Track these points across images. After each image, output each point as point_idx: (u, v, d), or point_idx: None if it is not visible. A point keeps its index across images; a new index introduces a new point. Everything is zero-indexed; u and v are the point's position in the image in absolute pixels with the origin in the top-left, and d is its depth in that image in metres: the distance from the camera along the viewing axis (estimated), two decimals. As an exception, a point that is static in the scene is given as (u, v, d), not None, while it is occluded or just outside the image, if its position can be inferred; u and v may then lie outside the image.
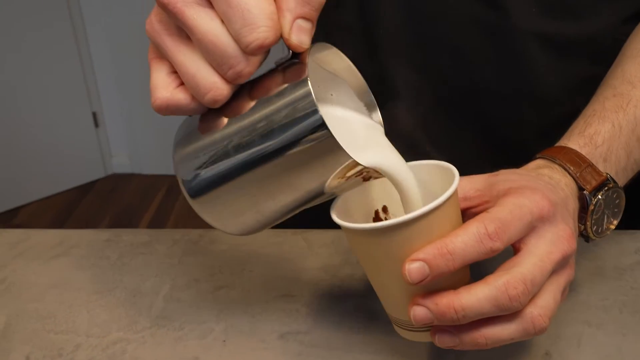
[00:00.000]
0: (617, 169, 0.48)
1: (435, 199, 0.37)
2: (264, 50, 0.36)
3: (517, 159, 0.56)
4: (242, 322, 0.48)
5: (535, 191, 0.40)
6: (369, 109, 0.44)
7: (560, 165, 0.46)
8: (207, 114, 0.39)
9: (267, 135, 0.36)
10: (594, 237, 0.47)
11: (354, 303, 0.50)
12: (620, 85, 0.52)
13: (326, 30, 0.68)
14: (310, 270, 0.54)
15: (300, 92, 0.36)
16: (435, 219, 0.38)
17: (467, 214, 0.43)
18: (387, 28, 0.61)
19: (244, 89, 0.38)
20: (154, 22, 0.37)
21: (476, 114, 0.62)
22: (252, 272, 0.54)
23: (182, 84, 0.38)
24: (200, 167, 0.38)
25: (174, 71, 0.38)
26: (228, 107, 0.38)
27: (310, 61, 0.38)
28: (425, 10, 0.60)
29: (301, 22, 0.36)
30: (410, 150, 0.63)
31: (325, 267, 0.54)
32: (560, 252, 0.40)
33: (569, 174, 0.46)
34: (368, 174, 0.39)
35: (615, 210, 0.47)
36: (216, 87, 0.36)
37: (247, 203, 0.39)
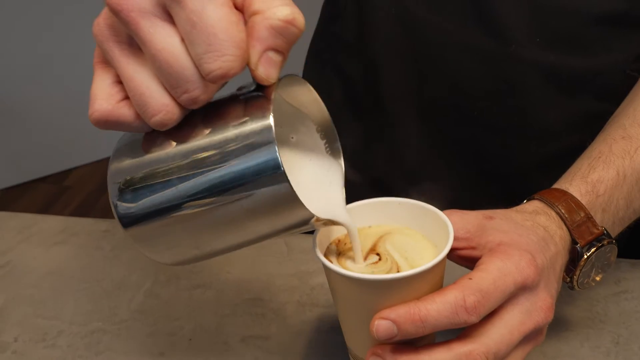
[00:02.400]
0: (614, 219, 0.47)
1: (420, 243, 0.39)
2: (226, 80, 0.33)
3: (510, 192, 0.55)
4: (210, 323, 0.52)
5: (523, 254, 0.39)
6: (331, 146, 0.42)
7: (558, 213, 0.44)
8: (153, 134, 0.36)
9: (219, 171, 0.33)
10: (577, 289, 0.46)
11: (318, 313, 0.52)
12: (630, 127, 0.49)
13: (328, 43, 0.69)
14: (284, 276, 0.57)
15: (261, 134, 0.33)
16: (417, 281, 0.37)
17: (450, 255, 0.42)
18: (384, 55, 0.61)
19: (198, 113, 0.35)
20: (102, 26, 0.34)
21: (471, 144, 0.62)
22: (230, 273, 0.57)
23: (127, 97, 0.34)
24: (136, 193, 0.35)
25: (120, 81, 0.35)
26: (177, 129, 0.35)
27: (276, 95, 0.35)
28: (425, 36, 0.59)
29: (272, 55, 0.33)
30: (404, 177, 0.65)
31: (299, 274, 0.57)
32: (533, 323, 0.39)
33: (566, 225, 0.44)
34: (319, 223, 0.37)
35: (605, 263, 0.46)
36: (167, 109, 0.33)
37: (187, 240, 0.36)
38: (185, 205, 0.35)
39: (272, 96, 0.34)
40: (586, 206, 0.45)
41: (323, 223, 0.37)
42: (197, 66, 0.32)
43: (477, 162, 0.62)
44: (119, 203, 0.36)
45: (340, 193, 0.41)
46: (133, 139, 0.37)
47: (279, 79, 0.35)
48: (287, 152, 0.41)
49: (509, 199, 0.65)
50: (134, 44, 0.33)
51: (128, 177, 0.36)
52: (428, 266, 0.37)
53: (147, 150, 0.36)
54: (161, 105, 0.33)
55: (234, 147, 0.33)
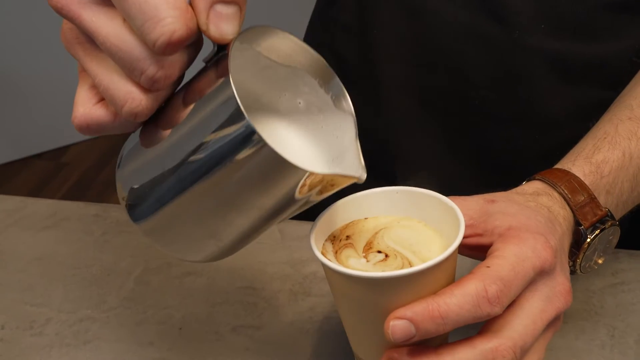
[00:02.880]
0: (618, 202, 0.45)
1: (429, 227, 0.37)
2: (176, 48, 0.30)
3: (512, 181, 0.53)
4: (200, 311, 0.51)
5: (537, 237, 0.37)
6: (336, 94, 0.38)
7: (560, 194, 0.43)
8: (146, 126, 0.35)
9: (203, 154, 0.32)
10: (580, 273, 0.44)
11: (310, 302, 0.52)
12: (638, 108, 0.48)
13: (325, 27, 0.67)
14: (277, 264, 0.56)
15: (223, 96, 0.31)
16: (433, 274, 0.35)
17: None
18: (385, 41, 0.59)
19: (179, 95, 0.34)
20: (66, 31, 0.33)
21: (471, 132, 0.60)
22: (222, 260, 0.56)
23: (103, 99, 0.34)
24: (138, 188, 0.35)
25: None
26: (163, 117, 0.34)
27: (245, 51, 0.32)
28: (426, 21, 0.57)
29: (220, 8, 0.31)
30: (401, 165, 0.63)
31: (292, 262, 0.56)
32: (555, 309, 0.37)
33: (569, 205, 0.42)
34: (332, 182, 0.34)
35: (607, 246, 0.45)
36: (132, 97, 0.32)
37: (197, 229, 0.35)
38: (182, 194, 0.34)
39: (230, 51, 0.31)
40: (590, 187, 0.43)
41: (330, 182, 0.34)
42: (143, 41, 0.31)
43: (478, 151, 0.61)
44: (125, 201, 0.36)
45: (354, 146, 0.38)
46: (134, 142, 0.37)
47: (240, 33, 0.32)
48: (294, 117, 0.38)
49: (507, 188, 0.64)
50: (94, 41, 0.33)
51: (131, 173, 0.36)
52: (443, 257, 0.34)
53: (143, 144, 0.35)
54: (125, 94, 0.32)
55: (210, 125, 0.32)
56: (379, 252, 0.38)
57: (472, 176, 0.62)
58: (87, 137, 2.45)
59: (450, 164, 0.62)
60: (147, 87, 0.32)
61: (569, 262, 0.43)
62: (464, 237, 0.38)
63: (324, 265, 0.37)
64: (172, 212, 0.35)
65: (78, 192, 2.03)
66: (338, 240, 0.40)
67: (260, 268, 0.55)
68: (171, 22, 0.29)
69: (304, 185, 0.33)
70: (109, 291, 0.53)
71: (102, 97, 0.34)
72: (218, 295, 0.53)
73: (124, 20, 0.31)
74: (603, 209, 0.43)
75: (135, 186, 0.35)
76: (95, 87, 0.34)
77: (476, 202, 0.40)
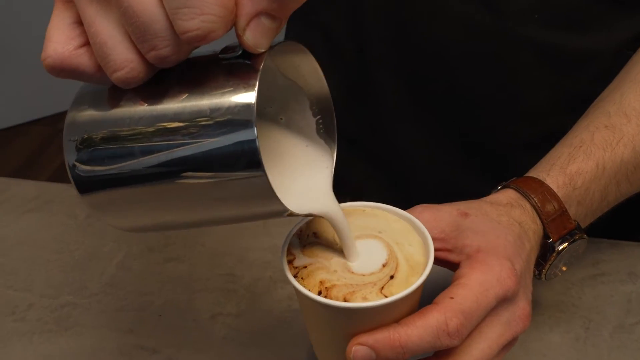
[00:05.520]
0: (588, 212, 0.46)
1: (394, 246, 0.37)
2: (204, 43, 0.28)
3: (496, 169, 0.54)
4: (180, 298, 0.52)
5: (503, 263, 0.38)
6: (325, 124, 0.38)
7: (533, 206, 0.43)
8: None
9: (187, 147, 0.30)
10: (544, 279, 0.46)
11: (289, 291, 0.52)
12: (615, 115, 0.47)
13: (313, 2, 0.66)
14: (258, 250, 0.56)
15: (240, 114, 0.29)
16: (397, 306, 0.35)
17: None
18: (375, 25, 0.58)
19: (173, 71, 0.31)
20: None
21: (457, 119, 0.60)
22: (204, 246, 0.57)
23: (88, 43, 0.30)
24: (94, 155, 0.32)
25: (81, 22, 0.30)
26: (147, 86, 0.30)
27: (265, 64, 0.30)
28: (416, 4, 0.56)
29: (264, 20, 0.28)
30: (385, 148, 0.63)
31: (273, 248, 0.56)
32: (512, 334, 0.39)
33: (540, 218, 0.43)
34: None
35: (574, 255, 0.45)
36: (131, 66, 0.29)
37: (147, 215, 0.34)
38: (146, 178, 0.31)
39: (260, 68, 0.29)
40: (562, 199, 0.44)
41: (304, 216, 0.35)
42: (170, 21, 0.27)
43: (462, 138, 0.61)
44: (76, 164, 0.32)
45: (327, 182, 0.38)
46: (98, 88, 0.33)
47: (272, 47, 0.30)
48: (272, 133, 0.37)
49: (493, 176, 0.63)
50: None
51: (86, 135, 0.32)
52: (408, 292, 0.35)
53: (111, 106, 0.32)
54: (124, 61, 0.29)
55: (206, 122, 0.29)
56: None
57: (456, 162, 0.62)
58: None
59: (439, 150, 0.62)
60: (151, 62, 0.29)
61: (534, 270, 0.44)
62: (435, 250, 0.38)
63: (295, 288, 0.36)
64: (128, 195, 0.32)
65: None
66: (305, 235, 0.40)
67: (242, 254, 0.56)
68: (213, 20, 0.27)
69: (276, 215, 0.33)
70: (91, 276, 0.54)
71: (87, 41, 0.30)
72: (198, 282, 0.53)
73: None
74: (572, 222, 0.44)
75: (91, 149, 0.32)
76: (79, 24, 0.30)
77: (449, 213, 0.40)
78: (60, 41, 0.30)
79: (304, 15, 0.67)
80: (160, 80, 0.31)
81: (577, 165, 0.45)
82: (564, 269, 0.45)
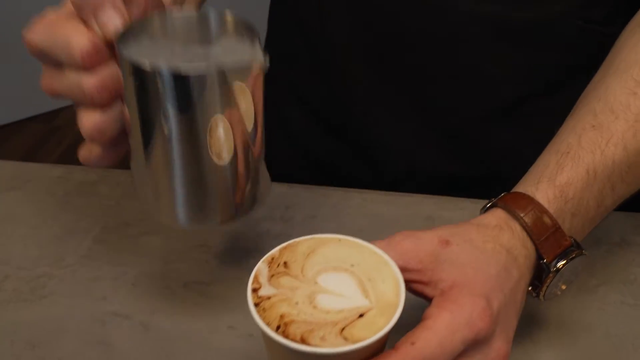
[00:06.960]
0: (584, 222, 0.44)
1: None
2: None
3: (459, 145, 0.56)
4: (154, 269, 0.53)
5: (476, 302, 0.36)
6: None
7: (523, 227, 0.41)
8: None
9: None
10: (543, 300, 0.43)
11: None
12: (601, 113, 0.45)
13: None
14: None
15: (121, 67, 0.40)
16: (355, 353, 0.34)
17: None
18: (331, 3, 0.60)
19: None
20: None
21: (418, 96, 0.61)
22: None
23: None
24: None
25: None
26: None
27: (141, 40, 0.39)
28: None
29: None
30: (354, 129, 0.64)
31: (246, 219, 0.57)
32: None
33: (531, 240, 0.41)
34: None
35: (573, 272, 0.43)
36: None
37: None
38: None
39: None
40: (554, 214, 0.41)
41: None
42: None
43: (424, 115, 0.62)
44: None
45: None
46: None
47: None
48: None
49: (458, 152, 0.64)
50: None
51: None
52: (372, 340, 0.34)
53: None
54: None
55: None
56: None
57: (421, 139, 0.63)
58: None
59: (399, 126, 0.63)
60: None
61: (532, 293, 0.43)
62: (412, 281, 0.38)
63: (262, 330, 0.35)
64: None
65: (72, 155, 2.04)
66: (276, 264, 0.38)
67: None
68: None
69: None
70: (67, 250, 0.55)
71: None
72: (172, 253, 0.54)
73: None
74: (567, 239, 0.41)
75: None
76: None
77: (430, 242, 0.39)
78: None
79: (281, 4, 0.69)
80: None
81: (566, 174, 0.43)
82: (564, 287, 0.43)
